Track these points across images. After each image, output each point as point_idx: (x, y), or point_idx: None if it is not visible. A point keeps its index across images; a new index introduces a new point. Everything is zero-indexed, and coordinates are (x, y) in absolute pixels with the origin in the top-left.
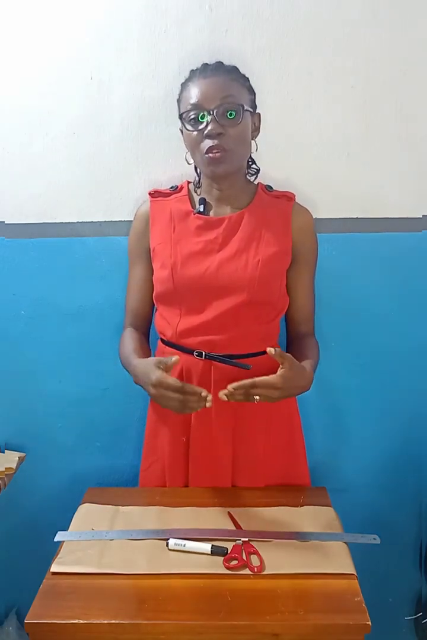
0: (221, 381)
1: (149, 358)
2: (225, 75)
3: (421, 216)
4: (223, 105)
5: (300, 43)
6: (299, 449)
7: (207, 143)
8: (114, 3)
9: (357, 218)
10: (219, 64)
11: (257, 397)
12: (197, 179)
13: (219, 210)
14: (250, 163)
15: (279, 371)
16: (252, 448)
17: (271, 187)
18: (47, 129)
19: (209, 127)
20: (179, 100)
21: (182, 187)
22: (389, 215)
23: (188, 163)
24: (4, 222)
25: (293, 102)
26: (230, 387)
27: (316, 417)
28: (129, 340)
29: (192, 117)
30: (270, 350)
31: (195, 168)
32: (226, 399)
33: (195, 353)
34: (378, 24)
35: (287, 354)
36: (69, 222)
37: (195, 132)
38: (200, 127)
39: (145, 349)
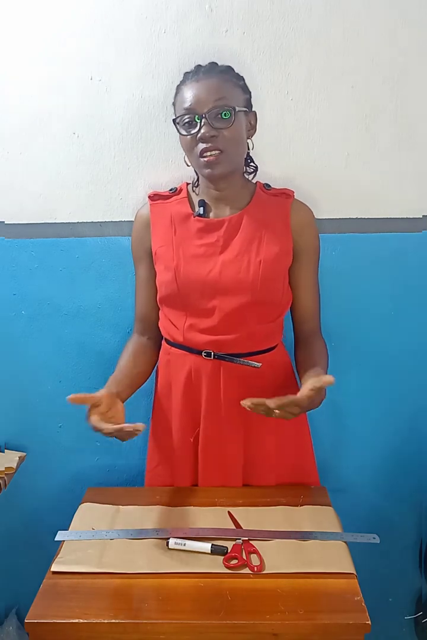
0: (230, 380)
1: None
2: (217, 77)
3: (421, 216)
4: (215, 108)
5: (300, 43)
6: (308, 446)
7: (202, 146)
8: (113, 3)
9: (357, 218)
10: (213, 65)
11: (277, 412)
12: (195, 180)
13: (218, 211)
14: (248, 161)
15: (306, 392)
16: (264, 446)
17: (269, 186)
18: (47, 129)
19: (202, 131)
20: (173, 103)
21: (181, 189)
22: (389, 215)
23: (187, 165)
24: (4, 222)
25: (293, 102)
26: (248, 402)
27: (316, 416)
28: (123, 355)
29: (186, 121)
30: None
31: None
32: (247, 408)
33: (203, 353)
34: (378, 24)
35: (316, 381)
36: (69, 222)
37: (189, 137)
38: (194, 130)
39: (136, 362)
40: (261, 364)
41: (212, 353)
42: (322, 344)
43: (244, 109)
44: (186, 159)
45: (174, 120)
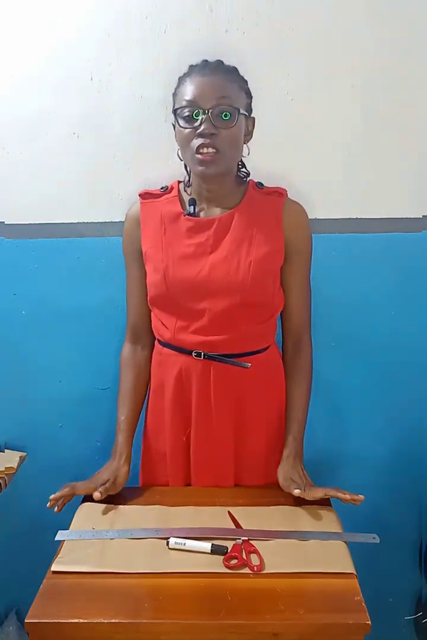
0: (220, 380)
1: (106, 470)
2: (224, 76)
3: (421, 216)
4: (219, 106)
5: (300, 43)
6: None
7: (199, 142)
8: (114, 3)
9: (357, 218)
10: (219, 62)
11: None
12: (187, 177)
13: (209, 210)
14: (240, 166)
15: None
16: (254, 446)
17: (261, 184)
18: (47, 129)
19: (203, 127)
20: (174, 94)
21: (172, 188)
22: (389, 215)
23: (180, 159)
24: (4, 222)
25: (293, 102)
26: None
27: (316, 417)
28: (123, 384)
29: (187, 114)
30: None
31: (186, 166)
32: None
33: (193, 353)
34: (378, 24)
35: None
36: (69, 222)
37: (187, 130)
38: (194, 125)
39: (139, 395)
40: (250, 364)
41: (202, 353)
42: (307, 363)
43: (245, 113)
44: (180, 153)
45: (174, 112)
